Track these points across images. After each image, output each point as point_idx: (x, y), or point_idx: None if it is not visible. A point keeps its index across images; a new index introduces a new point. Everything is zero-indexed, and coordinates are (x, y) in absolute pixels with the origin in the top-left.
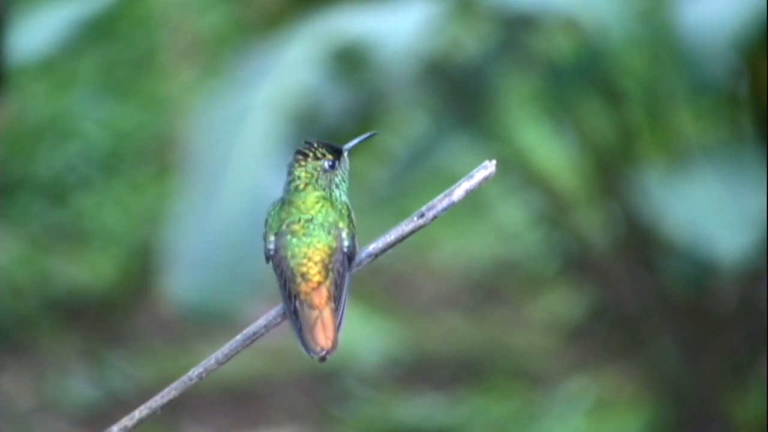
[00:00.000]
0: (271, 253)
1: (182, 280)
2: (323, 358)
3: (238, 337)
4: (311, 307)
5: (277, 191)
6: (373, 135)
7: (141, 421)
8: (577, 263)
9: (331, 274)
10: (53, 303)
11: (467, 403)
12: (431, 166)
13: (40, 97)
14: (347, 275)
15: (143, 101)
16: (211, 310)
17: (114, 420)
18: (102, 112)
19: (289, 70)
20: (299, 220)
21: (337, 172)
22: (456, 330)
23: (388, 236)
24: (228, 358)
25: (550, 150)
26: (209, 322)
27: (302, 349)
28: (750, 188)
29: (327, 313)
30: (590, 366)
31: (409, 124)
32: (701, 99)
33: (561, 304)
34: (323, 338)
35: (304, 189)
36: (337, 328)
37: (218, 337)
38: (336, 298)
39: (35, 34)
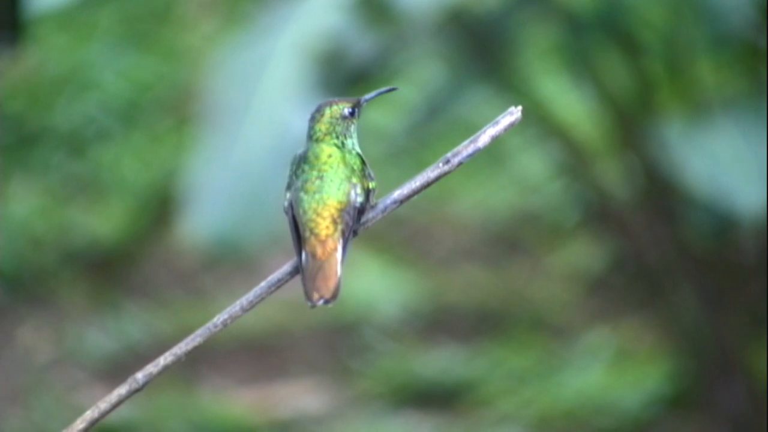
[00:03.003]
0: (286, 204)
1: (202, 216)
2: (313, 306)
3: (263, 283)
4: (315, 257)
5: (302, 131)
6: (392, 89)
7: (166, 368)
8: (597, 215)
9: (339, 227)
10: (72, 255)
11: (487, 354)
12: (450, 117)
13: (60, 49)
14: (353, 229)
15: (163, 52)
16: (229, 247)
17: (133, 372)
18: (121, 63)
19: (314, 15)
20: (311, 178)
21: (354, 120)
22: (476, 282)
23: (413, 182)
24: (253, 305)
25: (570, 102)
26: (227, 259)
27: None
28: None
29: (330, 263)
30: (610, 317)
31: (428, 75)
32: (721, 51)
33: (581, 255)
34: (323, 288)
35: (319, 142)
36: (338, 278)
37: (237, 287)
38: (341, 250)
39: None
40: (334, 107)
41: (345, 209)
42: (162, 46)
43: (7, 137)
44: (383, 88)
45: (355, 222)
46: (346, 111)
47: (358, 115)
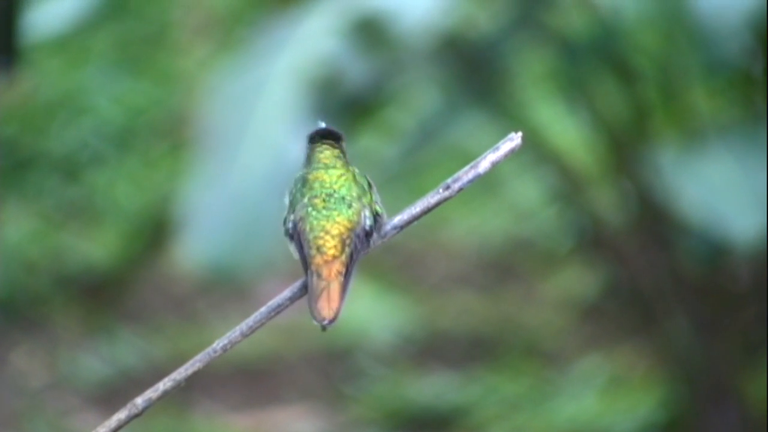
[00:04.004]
0: (290, 225)
1: (198, 242)
2: (324, 328)
3: (263, 309)
4: (320, 277)
5: (298, 156)
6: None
7: (165, 393)
8: (591, 241)
9: (347, 248)
10: (66, 279)
11: (480, 381)
12: (444, 143)
13: (54, 74)
14: (361, 251)
15: (157, 77)
16: (226, 273)
17: (126, 397)
18: (115, 88)
19: (309, 40)
20: (321, 194)
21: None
22: (469, 308)
23: (413, 208)
24: (253, 330)
25: (564, 128)
26: (224, 285)
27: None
28: (763, 167)
29: (335, 286)
30: (604, 344)
31: (421, 100)
32: (715, 77)
33: (575, 282)
34: (327, 309)
35: (326, 165)
36: (341, 301)
37: (231, 313)
38: (347, 272)
39: (50, 11)
40: (337, 145)
41: (355, 230)
42: (156, 71)
43: (1, 161)
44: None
45: (363, 245)
46: (343, 146)
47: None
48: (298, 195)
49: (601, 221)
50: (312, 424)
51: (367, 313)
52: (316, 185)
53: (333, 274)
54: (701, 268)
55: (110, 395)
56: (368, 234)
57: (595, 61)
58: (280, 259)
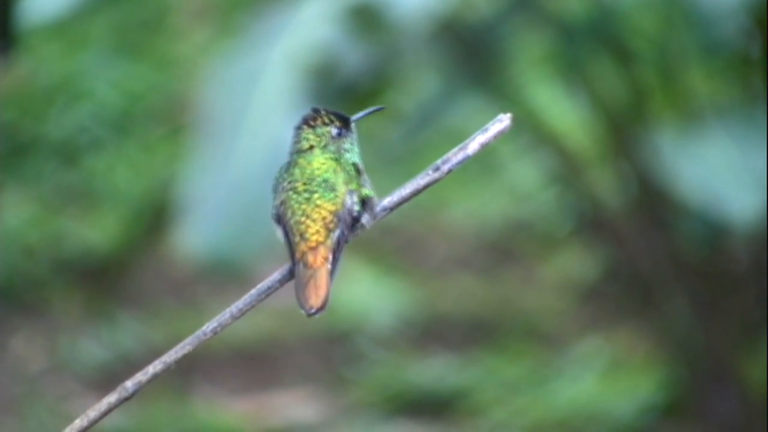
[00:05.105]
0: (274, 211)
1: (198, 231)
2: (311, 315)
3: (253, 291)
4: (306, 265)
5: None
6: (380, 109)
7: (155, 376)
8: (590, 224)
9: (331, 233)
10: (65, 264)
11: (480, 363)
12: (442, 126)
13: (52, 59)
14: (345, 236)
15: (155, 62)
16: (225, 260)
17: (125, 381)
18: (114, 73)
19: (306, 26)
20: (301, 179)
21: (345, 139)
22: (469, 291)
23: (403, 190)
24: (242, 312)
25: (563, 110)
26: (223, 272)
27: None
28: (762, 148)
29: (321, 273)
30: (603, 326)
31: (421, 84)
32: (713, 59)
33: (574, 264)
34: (314, 297)
35: (311, 150)
36: (329, 288)
37: (231, 297)
38: (334, 259)
39: None
40: (324, 128)
41: (339, 214)
42: (154, 56)
43: (0, 147)
44: (371, 108)
45: (349, 230)
46: (335, 131)
47: (351, 135)
48: (281, 180)
49: (600, 203)
50: (312, 407)
51: (367, 296)
52: (297, 170)
53: (319, 262)
54: (700, 249)
55: (110, 379)
56: (355, 219)
57: (593, 43)
58: (280, 243)
